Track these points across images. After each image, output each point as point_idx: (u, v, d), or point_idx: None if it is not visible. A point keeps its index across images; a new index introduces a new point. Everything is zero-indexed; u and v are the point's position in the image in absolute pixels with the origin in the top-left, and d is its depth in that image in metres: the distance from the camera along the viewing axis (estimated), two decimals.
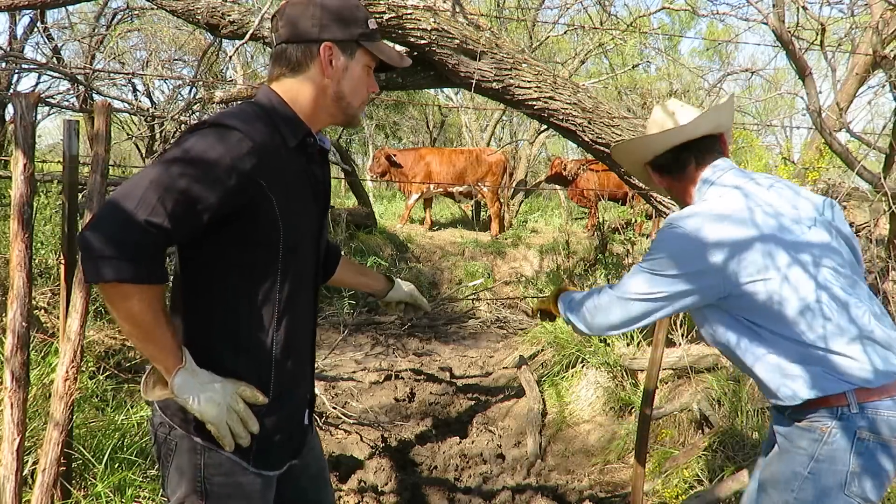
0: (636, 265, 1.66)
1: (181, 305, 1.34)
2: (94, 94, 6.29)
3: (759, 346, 1.53)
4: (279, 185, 1.27)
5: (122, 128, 11.38)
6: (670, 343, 3.93)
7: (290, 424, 1.44)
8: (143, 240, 1.14)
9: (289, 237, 1.30)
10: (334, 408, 3.91)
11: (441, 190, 10.02)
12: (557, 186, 10.71)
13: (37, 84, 8.21)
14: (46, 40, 7.46)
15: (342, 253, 1.85)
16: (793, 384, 1.49)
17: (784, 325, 1.49)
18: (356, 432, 3.78)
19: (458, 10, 3.47)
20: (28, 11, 6.54)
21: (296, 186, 1.33)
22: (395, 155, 9.90)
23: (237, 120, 1.24)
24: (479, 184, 9.87)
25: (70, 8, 7.39)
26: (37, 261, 4.18)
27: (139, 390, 1.63)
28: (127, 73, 7.80)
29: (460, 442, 3.84)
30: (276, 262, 1.31)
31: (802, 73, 3.22)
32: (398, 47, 3.76)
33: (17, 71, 6.12)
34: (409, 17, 3.32)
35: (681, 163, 1.73)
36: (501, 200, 10.13)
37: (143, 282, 1.16)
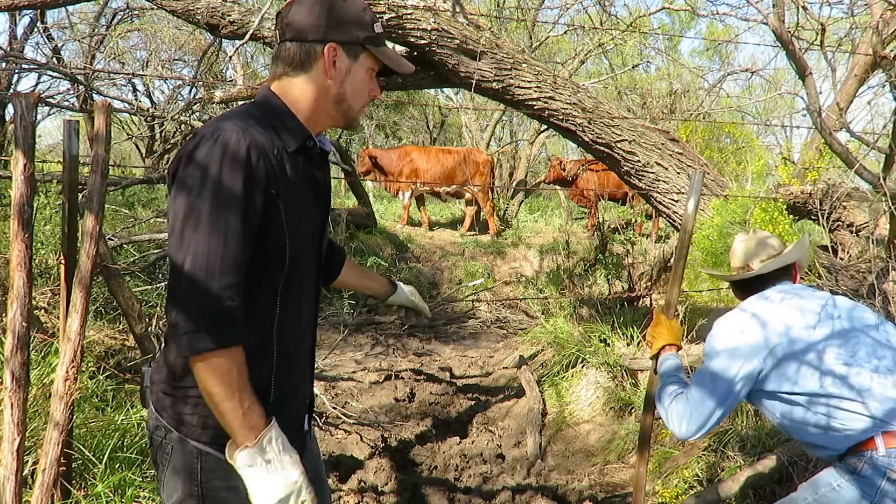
0: None
1: None
2: (94, 94, 6.29)
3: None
4: (285, 191, 1.27)
5: (122, 128, 11.38)
6: None
7: (290, 428, 1.40)
8: (224, 305, 1.17)
9: (293, 242, 1.30)
10: (334, 408, 3.91)
11: (427, 189, 9.94)
12: (557, 186, 10.71)
13: (37, 84, 8.21)
14: (46, 40, 7.46)
15: (346, 255, 1.85)
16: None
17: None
18: (356, 432, 3.78)
19: (458, 10, 3.47)
20: (28, 11, 6.54)
21: (298, 190, 1.32)
22: (376, 157, 9.81)
23: (240, 127, 1.22)
24: (469, 184, 9.79)
25: (70, 8, 7.39)
26: (37, 261, 4.18)
27: (138, 392, 1.63)
28: (127, 73, 7.80)
29: (460, 442, 3.84)
30: (280, 267, 1.30)
31: (802, 73, 3.22)
32: (398, 47, 3.76)
33: (17, 71, 6.12)
34: (409, 17, 3.32)
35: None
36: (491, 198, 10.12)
37: (230, 345, 1.18)
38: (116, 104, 6.36)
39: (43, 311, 3.79)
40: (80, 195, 2.23)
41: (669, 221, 3.89)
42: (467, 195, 10.02)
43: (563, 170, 10.06)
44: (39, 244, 4.41)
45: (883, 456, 1.65)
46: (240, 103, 1.37)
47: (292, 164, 1.31)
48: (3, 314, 2.50)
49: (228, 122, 1.23)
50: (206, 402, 1.21)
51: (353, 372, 4.89)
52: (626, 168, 3.77)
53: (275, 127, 1.30)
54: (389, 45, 1.55)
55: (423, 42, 3.40)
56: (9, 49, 5.79)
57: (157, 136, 10.71)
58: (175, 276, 1.17)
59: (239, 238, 1.18)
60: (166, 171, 1.28)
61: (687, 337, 4.01)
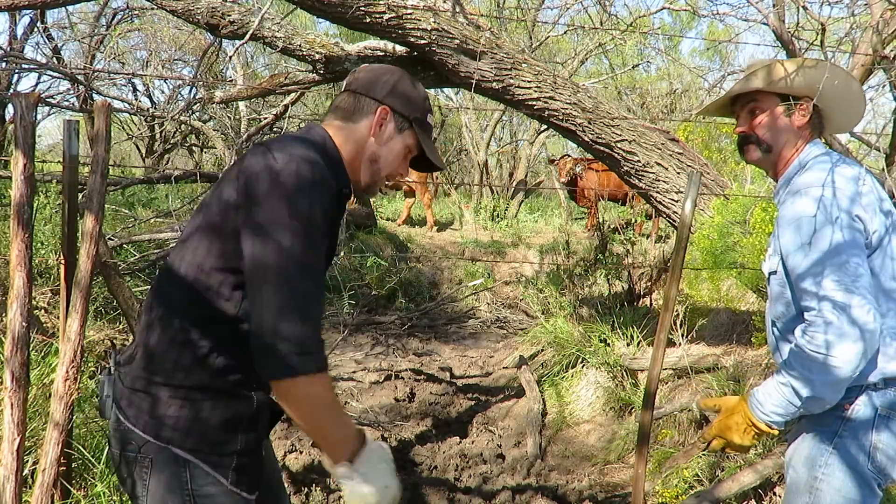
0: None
1: (192, 320, 1.30)
2: (94, 94, 6.29)
3: None
4: (329, 227, 1.32)
5: (122, 128, 11.39)
6: (670, 343, 3.93)
7: (260, 450, 1.42)
8: (315, 331, 1.20)
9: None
10: None
11: None
12: (557, 186, 10.71)
13: (37, 84, 8.21)
14: (46, 40, 7.46)
15: None
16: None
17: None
18: None
19: (458, 10, 3.47)
20: (28, 11, 6.54)
21: (333, 229, 1.38)
22: None
23: (315, 157, 1.26)
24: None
25: (70, 8, 7.39)
26: (37, 261, 4.18)
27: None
28: (127, 73, 7.80)
29: (460, 442, 3.84)
30: None
31: None
32: (398, 48, 3.77)
33: (17, 71, 6.12)
34: (409, 17, 3.32)
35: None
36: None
37: (324, 370, 1.21)
38: (116, 104, 6.36)
39: (43, 311, 3.79)
40: (80, 195, 2.23)
41: (669, 221, 3.89)
42: (405, 187, 10.03)
43: (573, 172, 10.05)
44: (39, 244, 4.42)
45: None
46: (301, 133, 1.40)
47: (338, 204, 1.37)
48: (3, 314, 2.50)
49: (304, 149, 1.26)
50: (300, 423, 1.24)
51: (353, 372, 4.89)
52: (626, 168, 3.77)
53: (329, 166, 1.33)
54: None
55: (423, 42, 3.40)
56: (9, 49, 5.79)
57: (157, 136, 10.71)
58: (276, 291, 1.17)
59: (321, 260, 1.26)
60: (231, 173, 1.29)
61: (687, 337, 4.01)
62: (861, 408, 1.53)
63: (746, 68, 1.75)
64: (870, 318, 1.40)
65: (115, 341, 3.70)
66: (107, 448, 2.43)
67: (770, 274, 1.69)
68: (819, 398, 1.47)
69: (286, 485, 3.10)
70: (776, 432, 1.59)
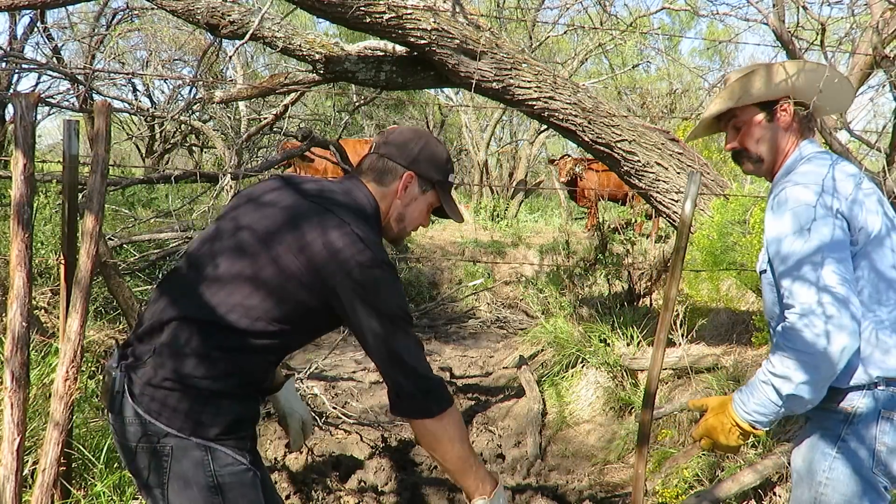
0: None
1: (226, 344, 1.39)
2: (94, 94, 6.29)
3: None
4: None
5: (122, 128, 11.38)
6: (670, 343, 3.93)
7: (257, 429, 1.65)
8: (436, 376, 1.46)
9: None
10: (334, 408, 3.91)
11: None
12: (557, 186, 10.71)
13: (37, 84, 8.21)
14: (46, 40, 7.45)
15: None
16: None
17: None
18: (356, 432, 3.78)
19: (458, 10, 3.47)
20: (28, 11, 6.54)
21: None
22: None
23: (377, 239, 1.48)
24: None
25: (70, 8, 7.39)
26: (37, 261, 4.18)
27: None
28: (127, 73, 7.80)
29: None
30: (319, 334, 1.58)
31: None
32: (398, 48, 3.77)
33: (17, 71, 6.12)
34: (409, 17, 3.32)
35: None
36: None
37: (452, 404, 1.46)
38: (116, 104, 6.36)
39: (43, 311, 3.79)
40: (80, 195, 2.23)
41: (669, 221, 3.89)
42: None
43: (574, 172, 10.04)
44: (39, 244, 4.42)
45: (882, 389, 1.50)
46: (359, 203, 1.57)
47: None
48: (3, 314, 2.50)
49: (368, 231, 1.43)
50: (439, 458, 1.47)
51: (353, 372, 4.89)
52: (626, 168, 3.77)
53: (376, 233, 1.51)
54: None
55: (423, 42, 3.40)
56: (9, 49, 5.79)
57: (157, 136, 10.71)
58: (403, 359, 1.41)
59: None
60: (287, 236, 1.41)
61: (687, 337, 4.01)
62: (863, 409, 1.52)
63: (717, 90, 1.76)
64: (859, 318, 1.41)
65: (118, 340, 3.70)
66: (106, 448, 2.43)
67: (761, 273, 1.68)
68: (799, 396, 1.45)
69: (286, 485, 3.10)
70: (761, 433, 1.58)
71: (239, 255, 1.39)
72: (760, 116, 1.69)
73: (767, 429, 1.60)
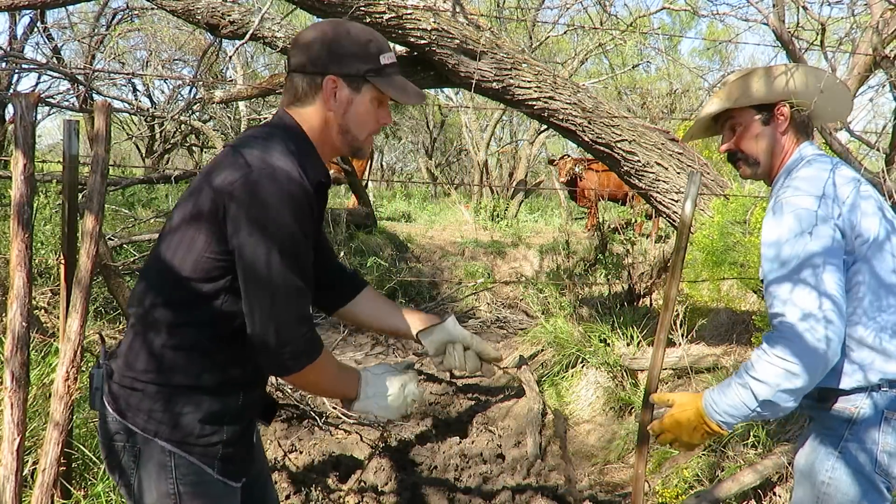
0: None
1: (177, 313, 1.33)
2: (94, 94, 6.29)
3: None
4: (312, 225, 1.33)
5: (122, 128, 11.39)
6: (670, 343, 3.93)
7: (249, 437, 1.47)
8: (301, 330, 1.30)
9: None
10: (334, 408, 3.91)
11: None
12: (557, 186, 10.70)
13: (37, 84, 8.21)
14: (46, 40, 7.45)
15: (366, 286, 1.70)
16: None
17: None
18: (356, 432, 3.78)
19: (458, 10, 3.47)
20: (28, 11, 6.54)
21: (317, 224, 1.39)
22: None
23: (291, 164, 1.27)
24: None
25: (70, 8, 7.39)
26: (37, 261, 4.18)
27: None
28: (127, 73, 7.80)
29: (460, 442, 3.84)
30: None
31: None
32: (398, 47, 3.76)
33: (17, 71, 6.12)
34: (409, 17, 3.32)
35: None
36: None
37: (318, 356, 1.35)
38: (116, 104, 6.36)
39: (43, 311, 3.79)
40: (80, 195, 2.23)
41: (669, 221, 3.89)
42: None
43: (573, 173, 10.03)
44: (39, 244, 4.42)
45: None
46: (268, 130, 1.37)
47: (318, 197, 1.36)
48: (3, 314, 2.50)
49: (279, 158, 1.26)
50: (314, 393, 1.45)
51: None
52: (626, 168, 3.77)
53: (301, 162, 1.31)
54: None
55: (423, 42, 3.40)
56: (9, 49, 5.79)
57: (157, 136, 10.72)
58: (264, 307, 1.26)
59: (308, 266, 1.31)
60: (224, 189, 1.28)
61: (687, 337, 4.01)
62: (865, 410, 1.52)
63: (715, 90, 1.76)
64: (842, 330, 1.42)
65: (103, 335, 3.70)
66: None
67: (762, 280, 1.68)
68: (776, 403, 1.44)
69: (286, 485, 3.10)
70: (725, 433, 1.57)
71: (179, 210, 1.35)
72: (758, 118, 1.68)
73: (731, 430, 1.59)
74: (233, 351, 1.35)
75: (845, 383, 1.52)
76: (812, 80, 1.64)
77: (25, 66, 4.76)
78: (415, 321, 1.65)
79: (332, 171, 8.77)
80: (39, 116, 5.71)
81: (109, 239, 4.59)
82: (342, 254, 7.04)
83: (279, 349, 1.27)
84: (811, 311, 1.41)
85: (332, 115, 1.36)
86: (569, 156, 10.70)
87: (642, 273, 5.38)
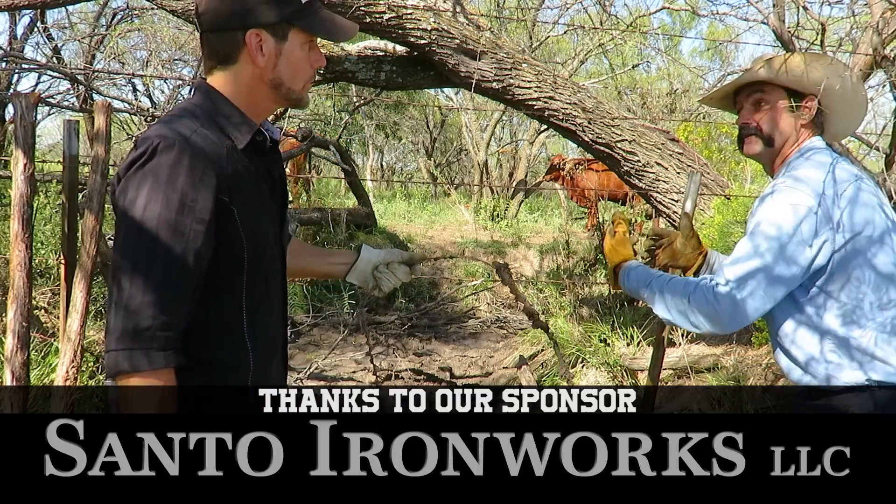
0: None
1: None
2: (94, 94, 6.30)
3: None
4: (237, 193, 1.18)
5: (122, 128, 11.38)
6: (670, 343, 3.93)
7: None
8: (161, 328, 1.10)
9: (250, 244, 1.21)
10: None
11: None
12: (557, 186, 10.71)
13: (37, 84, 8.21)
14: (46, 40, 7.46)
15: (293, 237, 1.61)
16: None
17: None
18: None
19: (458, 10, 3.48)
20: (28, 11, 6.54)
21: (252, 189, 1.23)
22: None
23: (184, 133, 1.13)
24: None
25: (70, 8, 7.39)
26: (37, 261, 4.18)
27: None
28: (127, 73, 7.80)
29: None
30: (239, 272, 1.21)
31: None
32: (398, 48, 3.77)
33: (17, 71, 6.12)
34: (409, 17, 3.32)
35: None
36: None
37: (172, 365, 1.11)
38: (116, 104, 6.35)
39: (43, 311, 3.79)
40: (80, 195, 2.23)
41: (669, 221, 3.89)
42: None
43: (562, 168, 10.04)
44: (39, 244, 4.41)
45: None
46: (182, 103, 1.27)
47: (244, 161, 1.22)
48: (3, 314, 2.50)
49: (172, 128, 1.14)
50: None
51: (353, 372, 4.88)
52: (626, 168, 3.77)
53: (221, 125, 1.20)
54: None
55: (423, 42, 3.40)
56: (9, 49, 5.80)
57: None
58: (118, 294, 1.08)
59: (189, 255, 1.12)
60: (115, 177, 1.20)
61: (687, 337, 4.01)
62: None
63: (755, 60, 1.74)
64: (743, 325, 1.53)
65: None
66: None
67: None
68: (664, 317, 1.57)
69: None
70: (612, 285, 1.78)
71: None
72: (785, 104, 1.66)
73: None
74: (230, 353, 1.26)
75: (840, 379, 1.52)
76: (850, 87, 1.64)
77: (25, 66, 4.76)
78: (339, 265, 1.64)
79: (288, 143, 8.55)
80: (39, 116, 5.71)
81: (109, 239, 4.59)
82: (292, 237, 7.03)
83: (126, 339, 1.09)
84: (745, 279, 1.47)
85: (261, 71, 1.21)
86: (561, 157, 10.74)
87: None
